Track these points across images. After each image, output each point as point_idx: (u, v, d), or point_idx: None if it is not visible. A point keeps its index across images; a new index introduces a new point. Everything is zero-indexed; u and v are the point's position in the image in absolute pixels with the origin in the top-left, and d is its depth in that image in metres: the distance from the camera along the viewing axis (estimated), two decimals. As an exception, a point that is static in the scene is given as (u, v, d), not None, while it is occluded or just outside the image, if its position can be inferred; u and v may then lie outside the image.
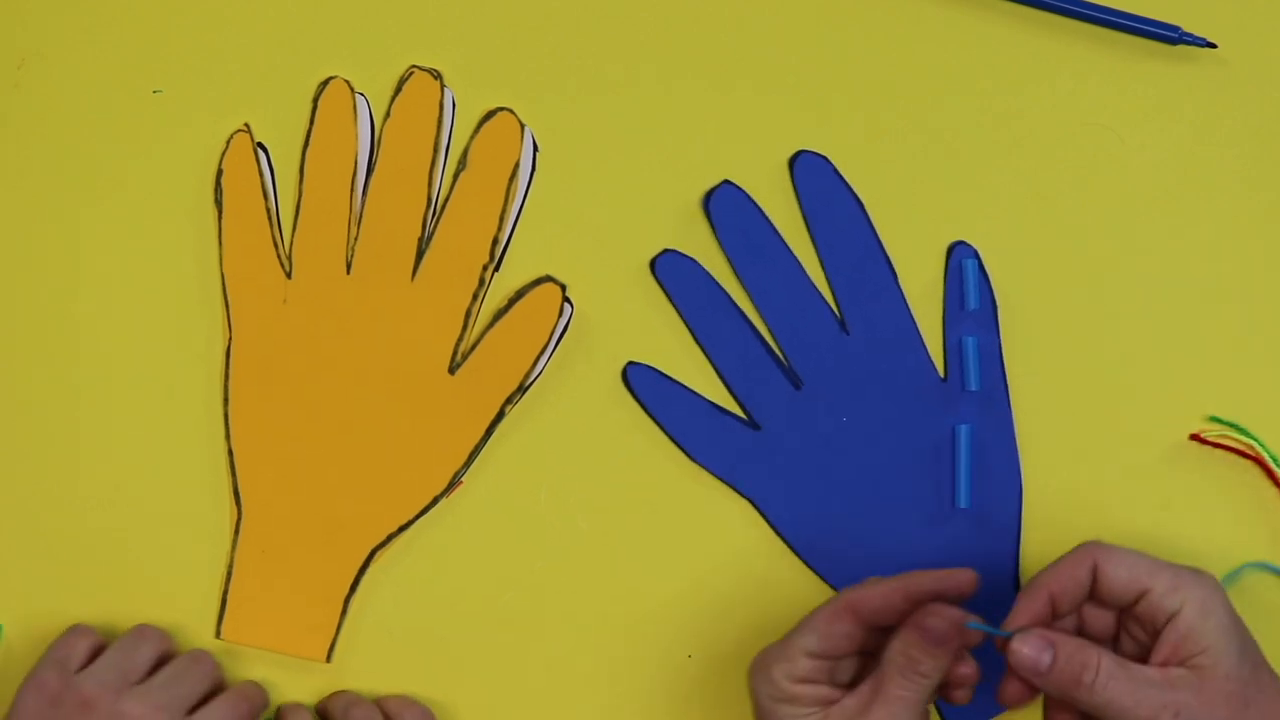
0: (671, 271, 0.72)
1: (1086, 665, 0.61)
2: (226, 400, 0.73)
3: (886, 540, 0.71)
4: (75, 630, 0.71)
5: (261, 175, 0.74)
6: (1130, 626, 0.64)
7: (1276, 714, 0.61)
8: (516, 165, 0.73)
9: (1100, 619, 0.65)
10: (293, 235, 0.73)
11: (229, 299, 0.73)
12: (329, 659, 0.72)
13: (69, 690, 0.67)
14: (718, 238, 0.72)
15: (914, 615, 0.64)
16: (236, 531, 0.73)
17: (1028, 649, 0.62)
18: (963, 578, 0.65)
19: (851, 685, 0.65)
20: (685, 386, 0.72)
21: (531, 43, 0.73)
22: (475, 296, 0.72)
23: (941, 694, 0.65)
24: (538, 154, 0.73)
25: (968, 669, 0.65)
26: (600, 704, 0.72)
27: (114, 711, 0.67)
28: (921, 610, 0.64)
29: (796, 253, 0.72)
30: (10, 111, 0.75)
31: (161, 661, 0.70)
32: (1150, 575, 0.62)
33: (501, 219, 0.73)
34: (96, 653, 0.70)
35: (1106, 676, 0.61)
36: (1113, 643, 0.65)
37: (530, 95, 0.73)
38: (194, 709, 0.69)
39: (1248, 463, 0.70)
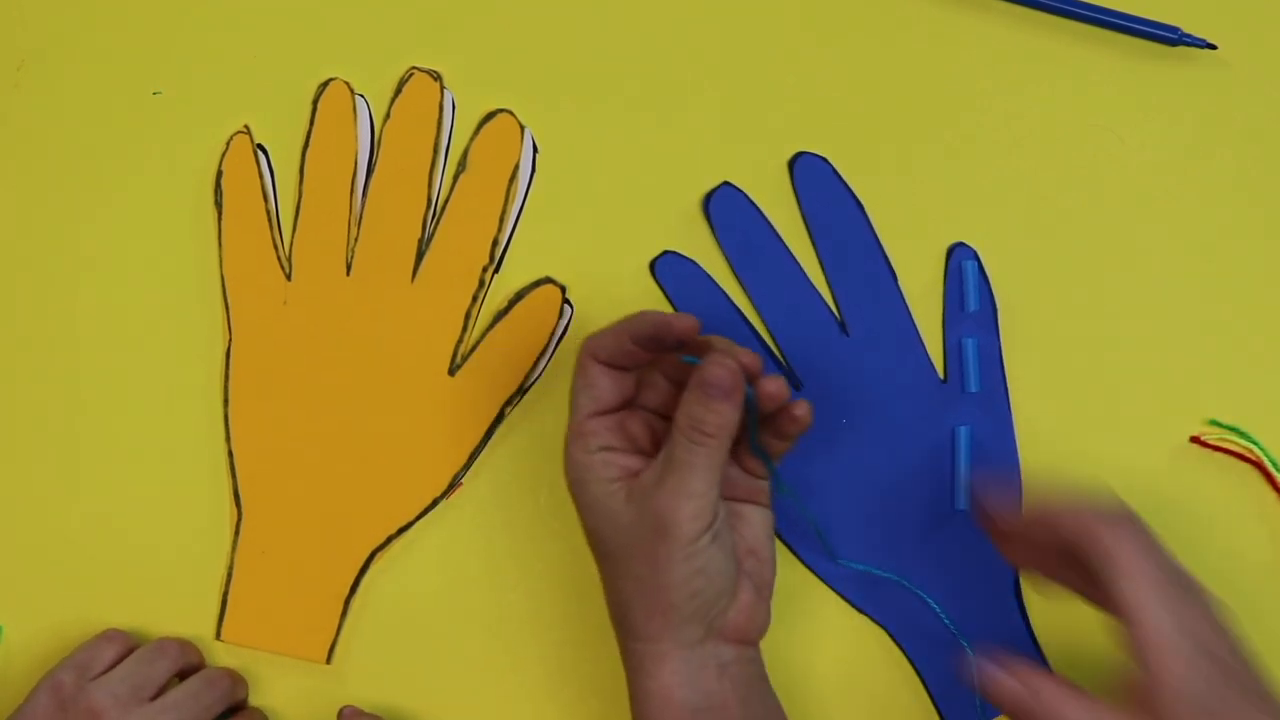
0: (671, 273, 0.72)
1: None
2: (226, 401, 0.73)
3: (886, 542, 0.71)
4: (105, 635, 0.71)
5: (261, 177, 0.74)
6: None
7: None
8: (516, 167, 0.73)
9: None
10: (293, 237, 0.73)
11: (229, 300, 0.73)
12: (329, 660, 0.72)
13: (80, 696, 0.68)
14: (717, 239, 0.72)
15: (696, 370, 0.61)
16: (236, 532, 0.73)
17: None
18: (684, 322, 0.62)
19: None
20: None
21: (531, 45, 0.73)
22: (475, 298, 0.72)
23: (765, 447, 0.64)
24: (537, 155, 0.73)
25: (773, 384, 0.61)
26: (600, 704, 0.72)
27: None
28: (705, 361, 0.61)
29: (796, 254, 0.72)
30: (10, 111, 0.75)
31: (184, 675, 0.71)
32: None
33: (501, 220, 0.73)
34: (121, 661, 0.70)
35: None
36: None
37: (530, 97, 0.73)
38: None
39: (1247, 466, 0.70)
